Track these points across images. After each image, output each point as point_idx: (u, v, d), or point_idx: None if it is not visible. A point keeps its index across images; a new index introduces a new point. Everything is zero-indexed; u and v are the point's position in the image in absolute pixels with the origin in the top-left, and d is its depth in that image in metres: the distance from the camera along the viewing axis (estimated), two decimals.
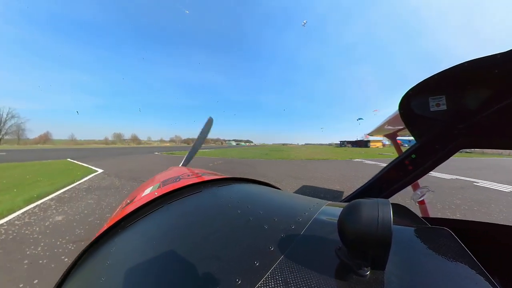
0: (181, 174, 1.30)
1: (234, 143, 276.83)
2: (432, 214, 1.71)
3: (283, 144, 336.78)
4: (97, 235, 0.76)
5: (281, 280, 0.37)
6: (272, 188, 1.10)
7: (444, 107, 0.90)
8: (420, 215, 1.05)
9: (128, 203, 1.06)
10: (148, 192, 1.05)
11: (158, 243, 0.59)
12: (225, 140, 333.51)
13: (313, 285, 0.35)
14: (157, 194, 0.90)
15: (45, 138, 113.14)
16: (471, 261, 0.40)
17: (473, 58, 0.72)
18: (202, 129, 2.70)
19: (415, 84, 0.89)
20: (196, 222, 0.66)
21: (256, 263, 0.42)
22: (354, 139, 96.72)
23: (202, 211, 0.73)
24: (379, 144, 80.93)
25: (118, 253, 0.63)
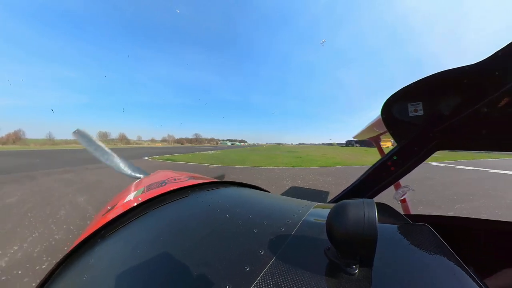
0: (167, 178, 1.24)
1: (229, 143, 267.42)
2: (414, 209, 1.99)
3: (278, 144, 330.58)
4: (72, 246, 0.69)
5: (272, 284, 0.36)
6: (261, 191, 1.10)
7: (421, 113, 0.96)
8: (402, 212, 1.15)
9: (109, 210, 0.97)
10: (131, 198, 1.00)
11: (142, 253, 0.55)
12: (219, 140, 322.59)
13: (304, 287, 0.35)
14: (141, 200, 0.87)
15: (15, 137, 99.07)
16: (448, 252, 0.43)
17: (445, 69, 0.80)
18: (88, 146, 2.06)
19: (396, 91, 0.95)
20: (183, 228, 0.64)
21: (247, 268, 0.41)
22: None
23: (190, 217, 0.71)
24: (389, 144, 74.98)
25: (97, 266, 0.58)
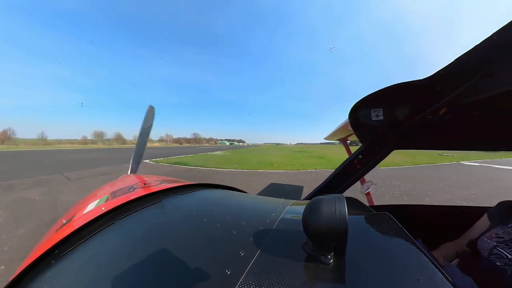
0: (135, 183, 1.12)
1: (227, 143, 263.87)
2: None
3: (277, 144, 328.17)
4: (17, 272, 0.56)
5: (255, 284, 0.37)
6: (238, 192, 1.09)
7: (381, 118, 1.08)
8: (367, 204, 1.37)
9: (64, 224, 0.84)
10: (93, 207, 0.87)
11: (108, 271, 0.48)
12: (218, 140, 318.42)
13: (285, 283, 0.37)
14: (104, 209, 0.76)
15: (4, 137, 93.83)
16: (404, 234, 0.51)
17: (402, 82, 0.91)
18: (144, 122, 2.13)
19: (361, 98, 1.04)
20: (156, 237, 0.59)
21: (228, 271, 0.41)
22: None
23: (163, 224, 0.67)
24: None
25: None
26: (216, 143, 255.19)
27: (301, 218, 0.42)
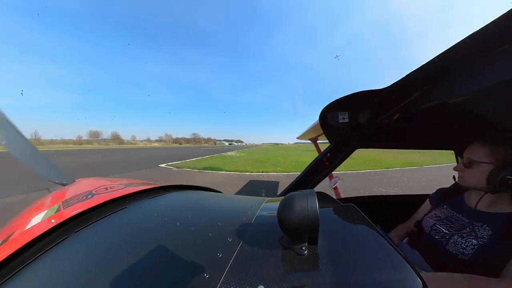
0: (93, 188, 0.98)
1: (226, 144, 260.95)
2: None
3: (276, 144, 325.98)
4: None
5: (235, 284, 0.37)
6: (212, 193, 1.06)
7: (347, 120, 1.21)
8: (335, 197, 1.61)
9: (0, 244, 0.66)
10: (39, 221, 0.73)
11: None
12: (217, 140, 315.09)
13: (264, 278, 0.38)
14: (55, 222, 0.63)
15: None
16: (367, 222, 0.56)
17: (364, 90, 1.02)
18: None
19: (330, 102, 1.16)
20: (121, 249, 0.52)
21: (206, 275, 0.39)
22: None
23: (129, 233, 0.60)
24: None
25: None
26: (215, 143, 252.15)
27: (276, 214, 0.43)
